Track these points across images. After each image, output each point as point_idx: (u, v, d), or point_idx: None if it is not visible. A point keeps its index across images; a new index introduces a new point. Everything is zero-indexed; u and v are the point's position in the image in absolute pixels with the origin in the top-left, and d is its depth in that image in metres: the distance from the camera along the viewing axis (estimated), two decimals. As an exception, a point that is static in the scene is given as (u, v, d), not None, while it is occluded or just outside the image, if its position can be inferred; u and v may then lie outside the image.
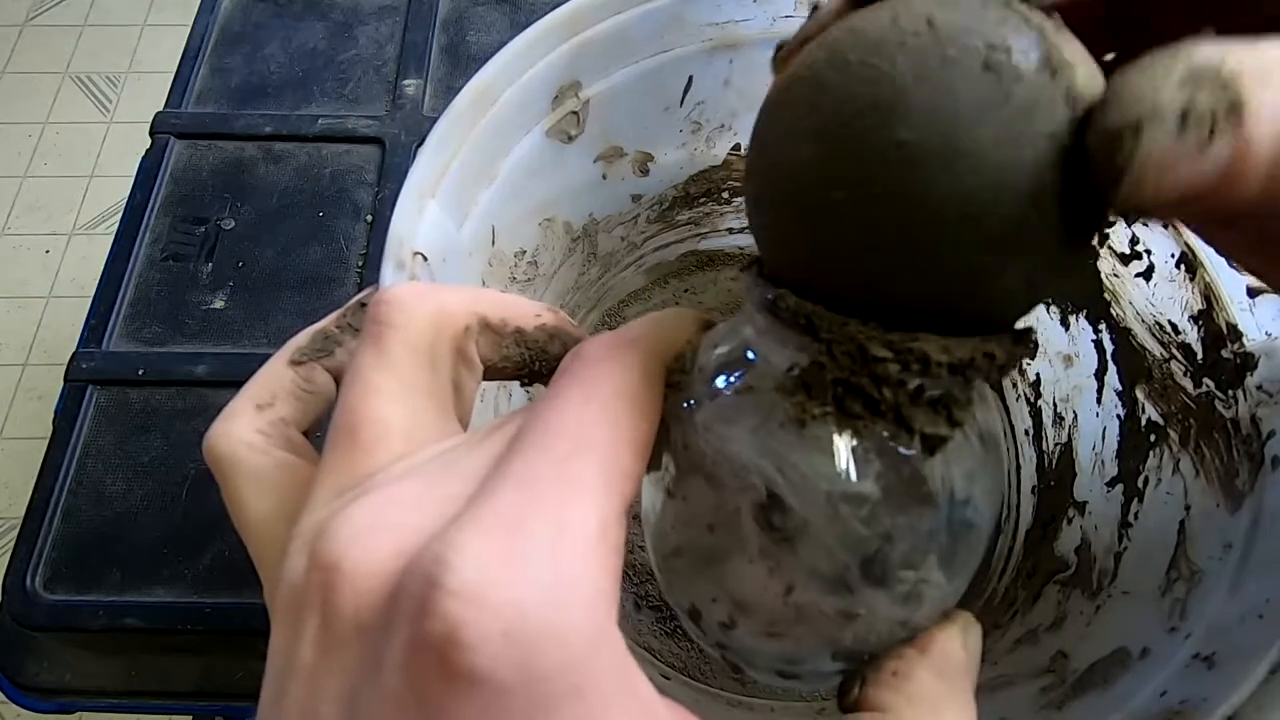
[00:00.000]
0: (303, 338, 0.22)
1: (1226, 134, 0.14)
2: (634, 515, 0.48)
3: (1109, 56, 0.19)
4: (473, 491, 0.16)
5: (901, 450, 0.18)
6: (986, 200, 0.16)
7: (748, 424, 0.19)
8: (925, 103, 0.16)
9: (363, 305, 0.23)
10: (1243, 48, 0.14)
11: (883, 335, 0.17)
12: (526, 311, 0.22)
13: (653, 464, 0.20)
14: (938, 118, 0.15)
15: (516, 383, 0.23)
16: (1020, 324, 0.19)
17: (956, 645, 0.20)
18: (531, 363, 0.22)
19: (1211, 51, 0.14)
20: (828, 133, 0.17)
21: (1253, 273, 0.23)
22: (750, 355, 0.20)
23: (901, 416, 0.18)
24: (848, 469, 0.18)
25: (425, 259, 0.32)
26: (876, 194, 0.16)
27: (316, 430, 0.22)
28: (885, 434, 0.18)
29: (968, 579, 0.20)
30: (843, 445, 0.18)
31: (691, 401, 0.19)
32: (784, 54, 0.20)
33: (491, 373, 0.22)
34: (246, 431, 0.21)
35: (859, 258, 0.17)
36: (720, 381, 0.20)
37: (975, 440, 0.19)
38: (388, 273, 0.31)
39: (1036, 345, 0.19)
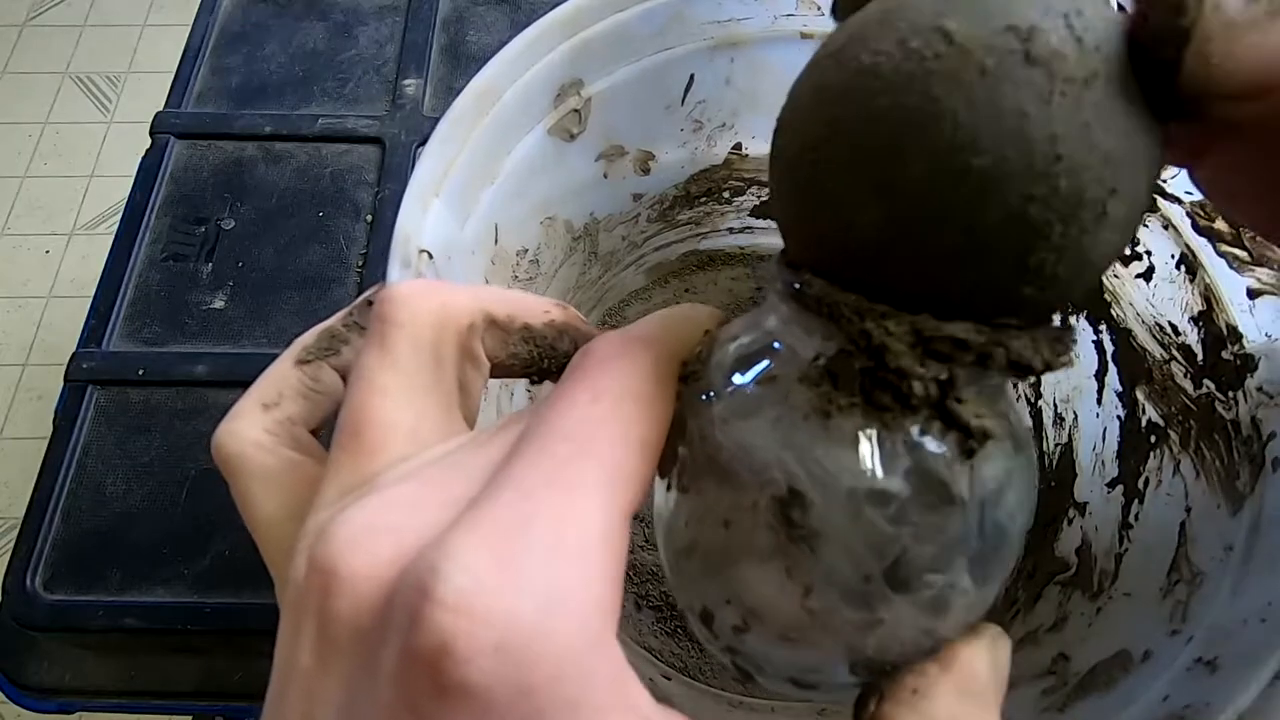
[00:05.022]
0: (309, 337, 0.22)
1: None
2: (635, 517, 0.48)
3: None
4: (474, 494, 0.16)
5: (932, 447, 0.17)
6: (1041, 179, 0.15)
7: (769, 416, 0.18)
8: (975, 124, 0.15)
9: (369, 303, 0.22)
10: None
11: (910, 326, 0.16)
12: (535, 308, 0.22)
13: (666, 465, 0.19)
14: (991, 132, 0.15)
15: (522, 381, 0.23)
16: (1056, 319, 0.18)
17: (982, 662, 0.19)
18: (540, 360, 0.22)
19: None
20: (866, 143, 0.16)
21: (1259, 230, 0.22)
22: (774, 346, 0.19)
23: (934, 412, 0.17)
24: (874, 464, 0.17)
25: (431, 257, 0.32)
26: (926, 193, 0.16)
27: (324, 429, 0.22)
28: (916, 429, 0.17)
29: (998, 587, 0.19)
30: (869, 439, 0.17)
31: (710, 393, 0.19)
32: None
33: (499, 370, 0.22)
34: (254, 431, 0.20)
35: (895, 244, 0.16)
36: (740, 373, 0.19)
37: (1009, 441, 0.18)
38: (394, 271, 0.30)
39: (1074, 343, 0.18)
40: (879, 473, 0.17)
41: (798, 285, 0.18)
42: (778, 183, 0.19)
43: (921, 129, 0.16)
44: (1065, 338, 0.18)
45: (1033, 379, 0.48)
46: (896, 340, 0.16)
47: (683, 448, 0.19)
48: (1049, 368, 0.17)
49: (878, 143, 0.16)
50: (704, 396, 0.19)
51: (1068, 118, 0.15)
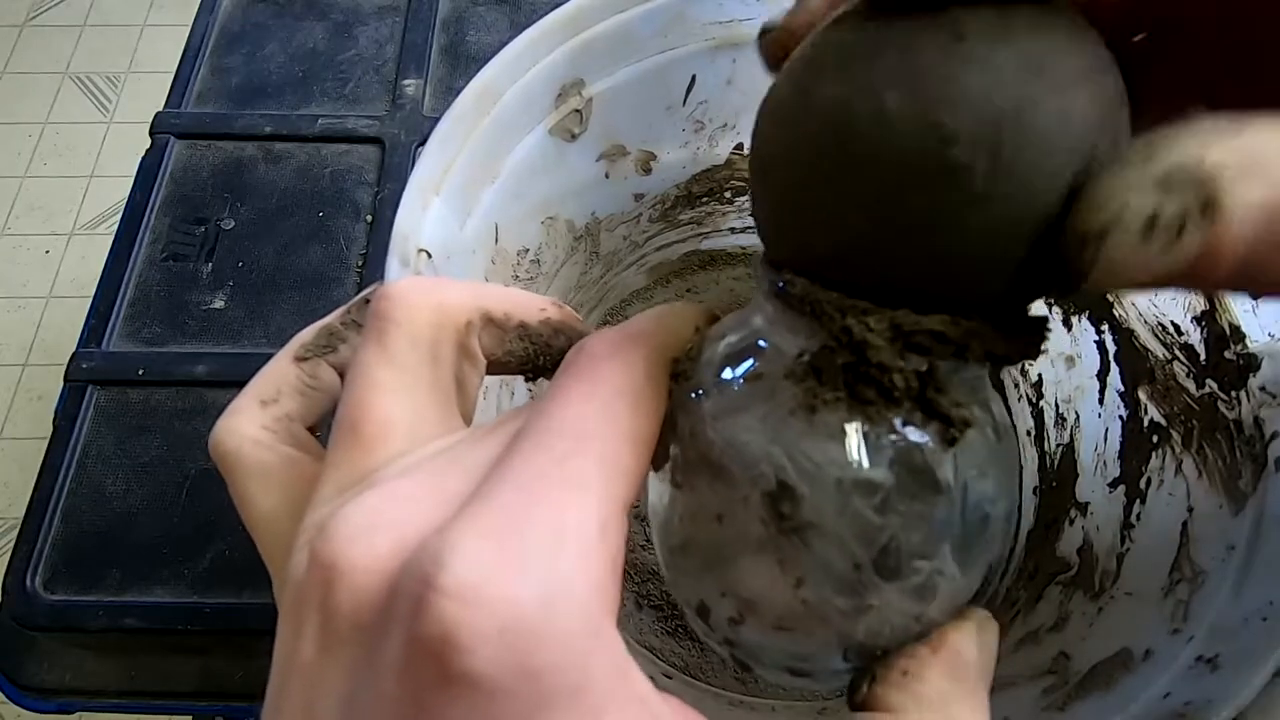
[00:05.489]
0: (308, 334, 0.22)
1: (1196, 233, 0.14)
2: (635, 515, 0.48)
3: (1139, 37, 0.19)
4: (473, 489, 0.16)
5: (915, 437, 0.18)
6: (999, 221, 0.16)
7: (757, 412, 0.18)
8: (904, 183, 0.16)
9: (367, 301, 0.22)
10: (1228, 136, 0.14)
11: (890, 322, 0.17)
12: (531, 306, 0.22)
13: (659, 460, 0.20)
14: (918, 188, 0.16)
15: (520, 378, 0.23)
16: (1032, 312, 0.19)
17: (970, 644, 0.20)
18: (536, 358, 0.22)
19: (1192, 147, 0.14)
20: (829, 153, 0.17)
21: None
22: (760, 344, 0.19)
23: (915, 404, 0.17)
24: (860, 456, 0.18)
25: (430, 256, 0.32)
26: (886, 210, 0.16)
27: (322, 427, 0.22)
28: (899, 420, 0.18)
29: (982, 572, 0.20)
30: (854, 432, 0.18)
31: (700, 391, 0.19)
32: (771, 40, 0.20)
33: (495, 368, 0.22)
34: (251, 427, 0.21)
35: (865, 246, 0.17)
36: (729, 371, 0.19)
37: (989, 430, 0.19)
38: (393, 269, 0.30)
39: (1047, 334, 0.19)
40: (865, 464, 0.18)
41: (781, 284, 0.18)
42: (756, 186, 0.19)
43: (870, 167, 0.16)
44: (1039, 327, 0.18)
45: (1016, 368, 0.49)
46: (877, 336, 0.17)
47: (675, 445, 0.20)
48: (1024, 357, 0.18)
49: (839, 162, 0.17)
50: (694, 394, 0.19)
51: (978, 218, 0.16)
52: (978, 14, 0.16)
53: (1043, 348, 0.18)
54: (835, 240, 0.17)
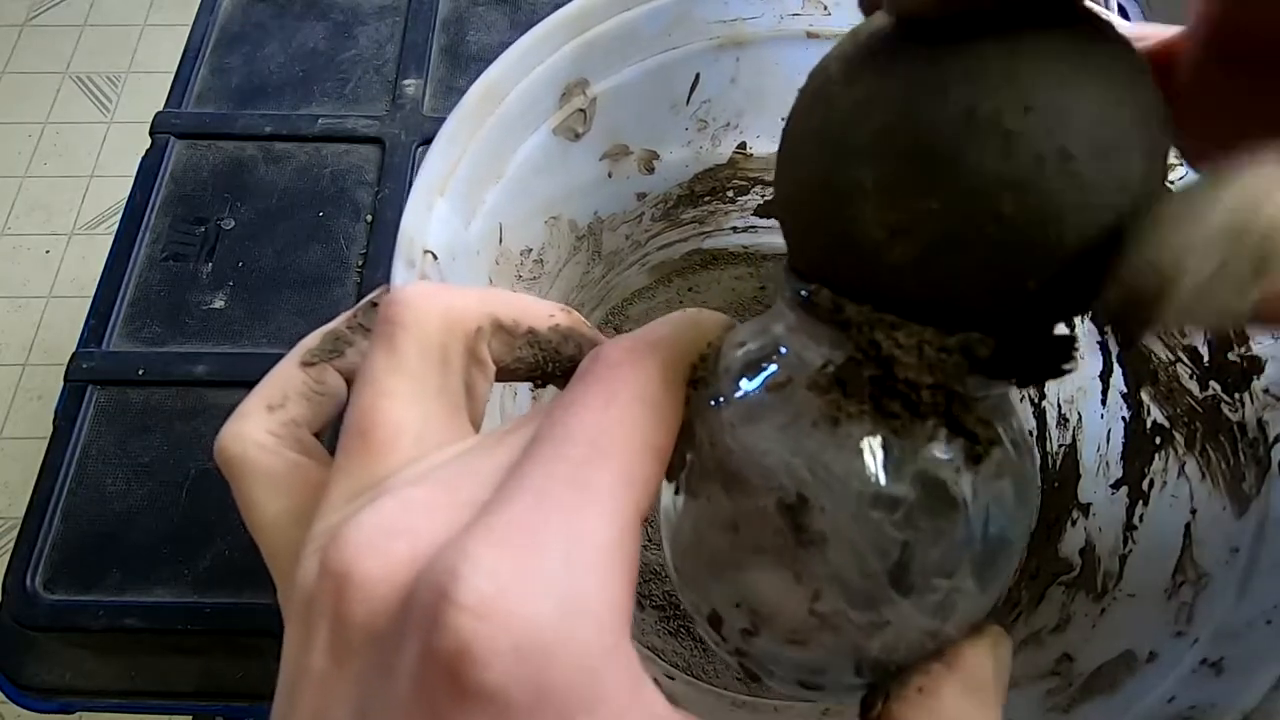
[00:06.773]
0: (313, 339, 0.22)
1: (1252, 289, 0.13)
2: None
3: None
4: (487, 497, 0.16)
5: (939, 454, 0.18)
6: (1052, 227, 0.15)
7: (777, 422, 0.18)
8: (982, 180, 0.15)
9: (374, 305, 0.22)
10: None
11: (919, 338, 0.16)
12: (540, 312, 0.22)
13: (673, 468, 0.19)
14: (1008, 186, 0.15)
15: (524, 384, 0.23)
16: (1058, 330, 0.18)
17: (985, 662, 0.19)
18: (544, 364, 0.22)
19: (1254, 190, 0.14)
20: (873, 150, 0.16)
21: None
22: (782, 351, 0.19)
23: (940, 420, 0.17)
24: (882, 470, 0.17)
25: (435, 257, 0.32)
26: (935, 222, 0.16)
27: (327, 432, 0.21)
28: (924, 436, 0.17)
29: (1000, 589, 0.20)
30: (878, 446, 0.17)
31: (719, 399, 0.19)
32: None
33: (503, 374, 0.21)
34: (257, 432, 0.20)
35: (893, 260, 0.16)
36: (749, 379, 0.19)
37: (1011, 447, 0.19)
38: (399, 271, 0.30)
39: (1074, 353, 0.18)
40: (887, 479, 0.17)
41: (805, 294, 0.18)
42: (785, 196, 0.19)
43: (929, 172, 0.16)
44: (1068, 346, 0.18)
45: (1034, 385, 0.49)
46: (905, 351, 0.16)
47: (691, 452, 0.19)
48: (1050, 376, 0.18)
49: (881, 174, 0.16)
50: (713, 402, 0.19)
51: (1017, 235, 0.15)
52: (1016, 38, 0.16)
53: (1068, 366, 0.18)
54: (862, 253, 0.17)
